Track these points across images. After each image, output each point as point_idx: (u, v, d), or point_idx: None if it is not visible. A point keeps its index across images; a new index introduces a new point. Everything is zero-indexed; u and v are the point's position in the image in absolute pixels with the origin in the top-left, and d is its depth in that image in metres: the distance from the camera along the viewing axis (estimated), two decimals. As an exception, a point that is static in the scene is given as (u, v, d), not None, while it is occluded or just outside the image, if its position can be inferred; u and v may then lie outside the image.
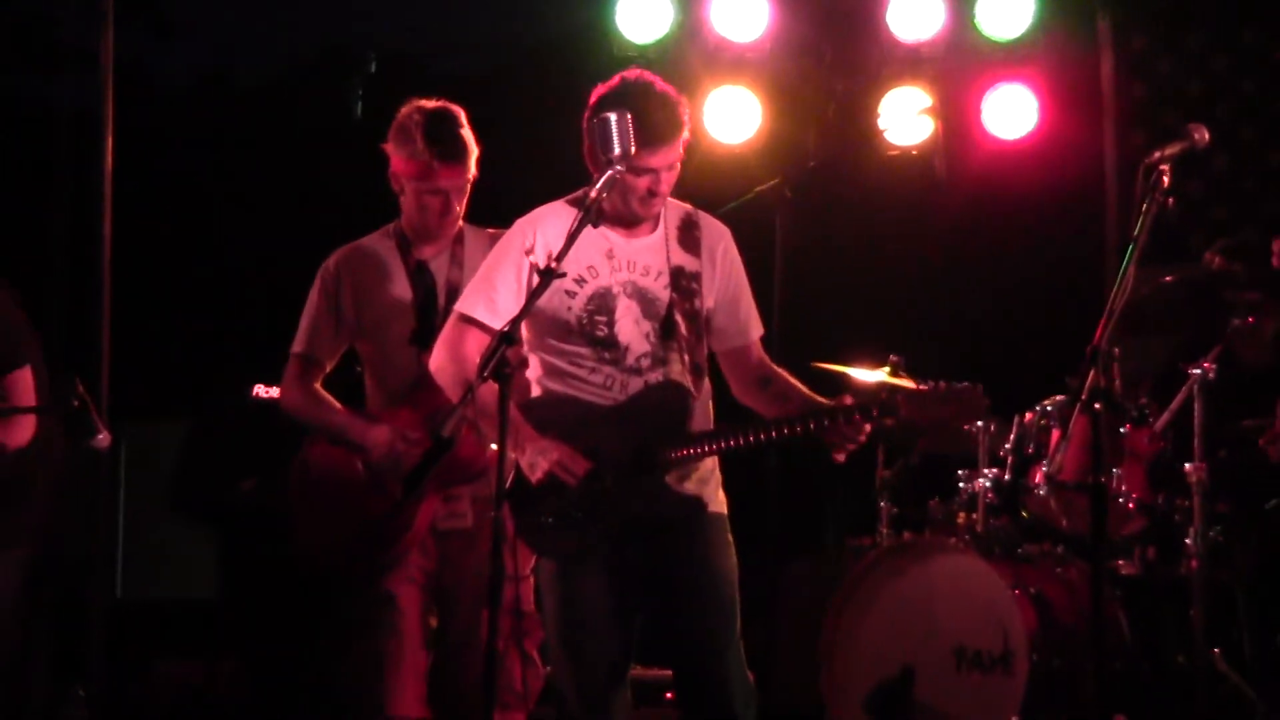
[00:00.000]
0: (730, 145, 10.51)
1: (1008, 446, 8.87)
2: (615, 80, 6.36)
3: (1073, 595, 8.54)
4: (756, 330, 6.56)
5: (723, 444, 6.21)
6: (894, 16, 10.53)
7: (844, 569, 8.59)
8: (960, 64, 10.61)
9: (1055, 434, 8.62)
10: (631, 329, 6.32)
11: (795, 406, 6.34)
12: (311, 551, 6.82)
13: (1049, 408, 8.79)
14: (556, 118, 7.30)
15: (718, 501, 6.42)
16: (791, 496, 7.63)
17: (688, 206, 6.52)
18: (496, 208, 6.97)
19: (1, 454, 6.90)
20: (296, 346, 6.95)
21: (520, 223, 6.43)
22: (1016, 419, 8.89)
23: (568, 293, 6.32)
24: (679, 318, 6.33)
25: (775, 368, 6.55)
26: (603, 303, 6.33)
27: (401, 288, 6.87)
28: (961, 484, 9.10)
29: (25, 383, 7.12)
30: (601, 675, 6.31)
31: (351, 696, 6.71)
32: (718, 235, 6.51)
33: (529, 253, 6.30)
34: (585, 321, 6.32)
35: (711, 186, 6.62)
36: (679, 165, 6.30)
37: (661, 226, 6.42)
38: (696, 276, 6.38)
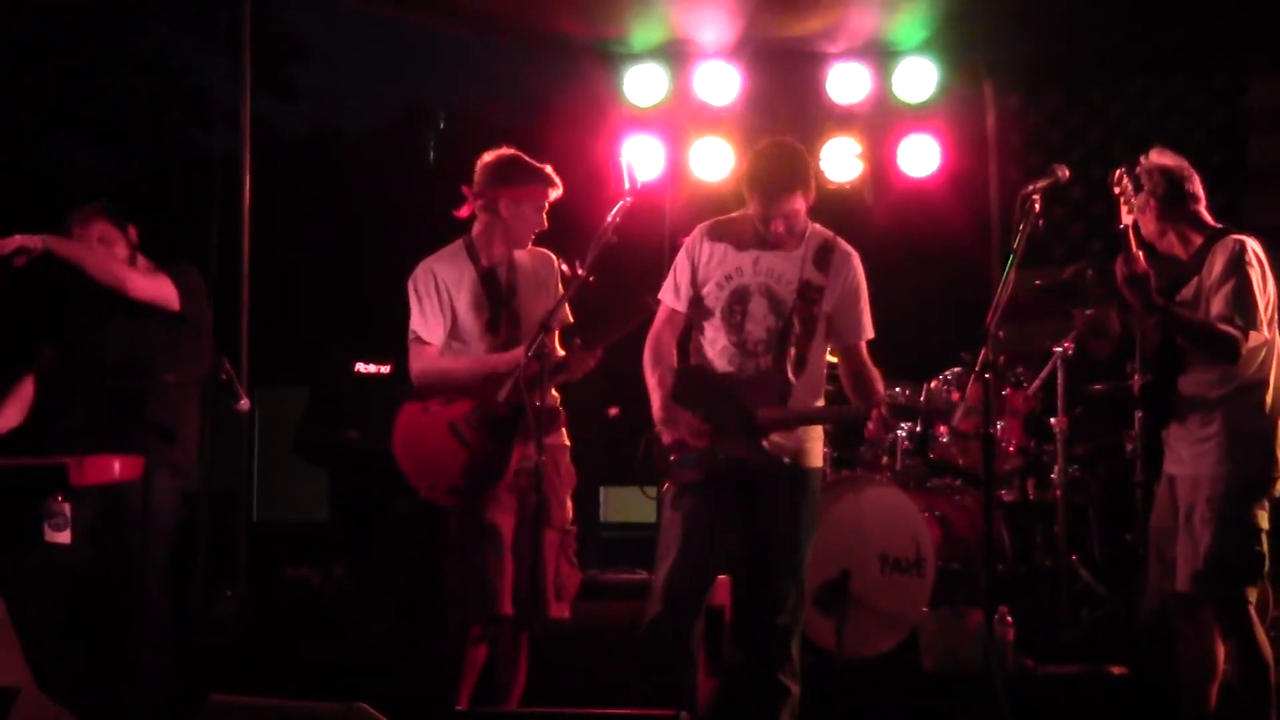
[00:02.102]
0: (711, 182, 10.48)
1: (919, 405, 8.87)
2: (763, 144, 6.40)
3: (968, 516, 8.53)
4: (863, 336, 6.40)
5: (803, 418, 6.24)
6: (832, 85, 10.52)
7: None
8: (882, 120, 10.57)
9: (955, 395, 8.61)
10: (758, 321, 6.28)
11: (861, 397, 6.34)
12: (427, 490, 6.77)
13: (949, 376, 8.77)
14: (584, 160, 7.27)
15: (811, 457, 6.36)
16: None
17: (830, 234, 6.42)
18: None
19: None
20: (424, 335, 6.72)
21: (697, 229, 6.47)
22: (925, 385, 8.87)
23: (718, 285, 6.34)
24: (796, 319, 6.24)
25: (868, 366, 6.41)
26: (740, 296, 6.31)
27: (476, 288, 6.75)
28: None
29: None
30: (690, 576, 6.24)
31: (459, 600, 6.66)
32: (844, 258, 6.39)
33: (692, 255, 6.41)
34: (725, 309, 6.32)
35: (696, 215, 6.58)
36: (800, 211, 6.25)
37: (803, 247, 6.34)
38: (821, 290, 6.29)
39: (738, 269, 6.34)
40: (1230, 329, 6.07)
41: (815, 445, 6.40)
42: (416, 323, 6.76)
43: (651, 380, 6.36)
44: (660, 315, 6.46)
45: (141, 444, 6.81)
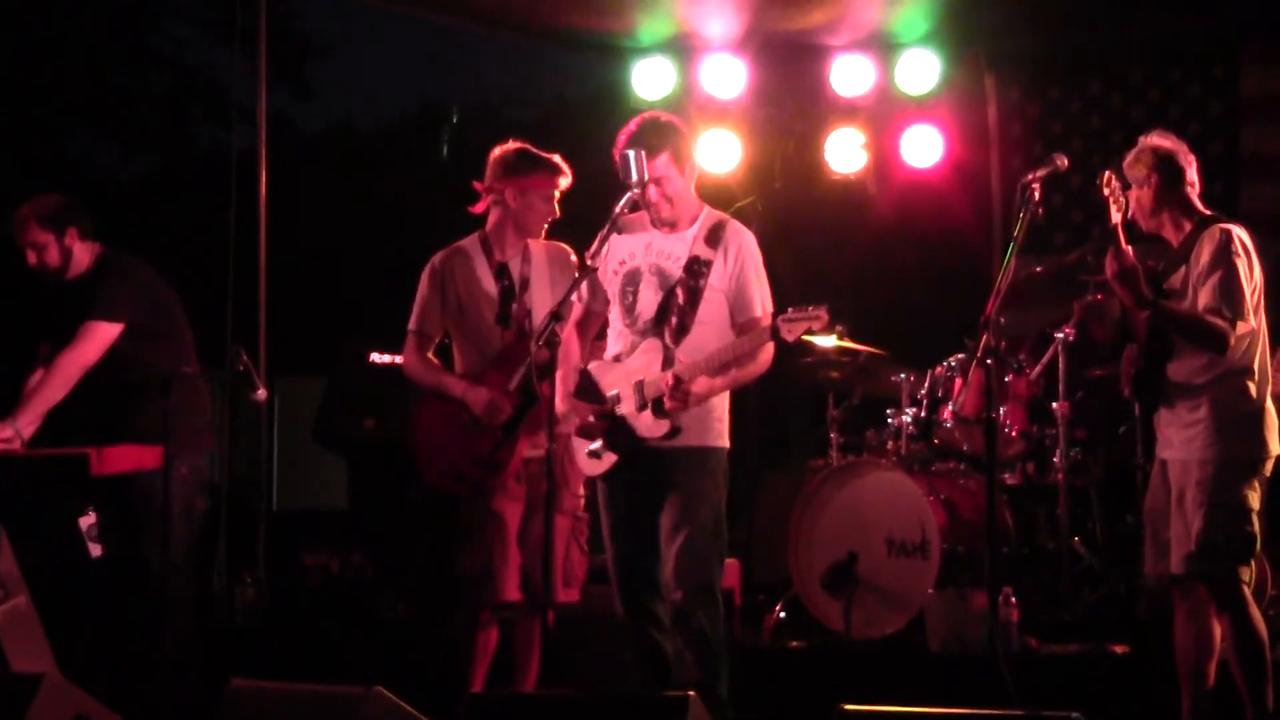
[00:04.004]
0: (717, 173, 10.43)
1: (923, 391, 8.81)
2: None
3: (972, 499, 8.50)
4: (755, 311, 6.13)
5: (675, 382, 5.91)
6: (836, 77, 10.47)
7: (805, 482, 8.56)
8: (885, 111, 10.52)
9: (958, 382, 8.58)
10: (647, 299, 6.17)
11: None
12: (435, 477, 6.80)
13: (953, 362, 8.74)
14: (593, 155, 7.26)
15: (708, 436, 6.15)
16: (766, 429, 7.62)
17: (724, 216, 6.29)
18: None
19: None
20: (412, 325, 6.87)
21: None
22: (929, 371, 8.84)
23: (614, 272, 6.25)
24: (679, 290, 6.11)
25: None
26: (633, 278, 6.21)
27: (489, 281, 6.80)
28: (890, 419, 9.03)
29: (97, 335, 7.05)
30: (628, 564, 6.18)
31: (466, 587, 6.69)
32: (736, 236, 6.19)
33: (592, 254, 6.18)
34: (620, 294, 6.23)
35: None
36: (669, 177, 6.11)
37: (696, 227, 6.21)
38: (709, 264, 6.12)
39: (630, 254, 6.25)
40: (1218, 321, 6.08)
41: (714, 423, 6.19)
42: (413, 314, 6.89)
43: (557, 378, 6.22)
44: (571, 316, 6.37)
45: (157, 436, 6.84)
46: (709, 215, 6.30)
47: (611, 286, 6.29)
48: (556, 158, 6.82)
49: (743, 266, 6.19)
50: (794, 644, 8.13)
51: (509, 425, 6.62)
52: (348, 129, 25.11)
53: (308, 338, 13.22)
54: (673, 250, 6.21)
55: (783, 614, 8.34)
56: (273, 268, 9.28)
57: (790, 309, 5.83)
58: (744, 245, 6.22)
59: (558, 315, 6.06)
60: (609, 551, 6.25)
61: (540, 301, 6.70)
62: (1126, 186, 6.30)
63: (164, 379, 6.82)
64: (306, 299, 16.55)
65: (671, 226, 6.23)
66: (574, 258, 6.77)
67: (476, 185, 6.86)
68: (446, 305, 6.83)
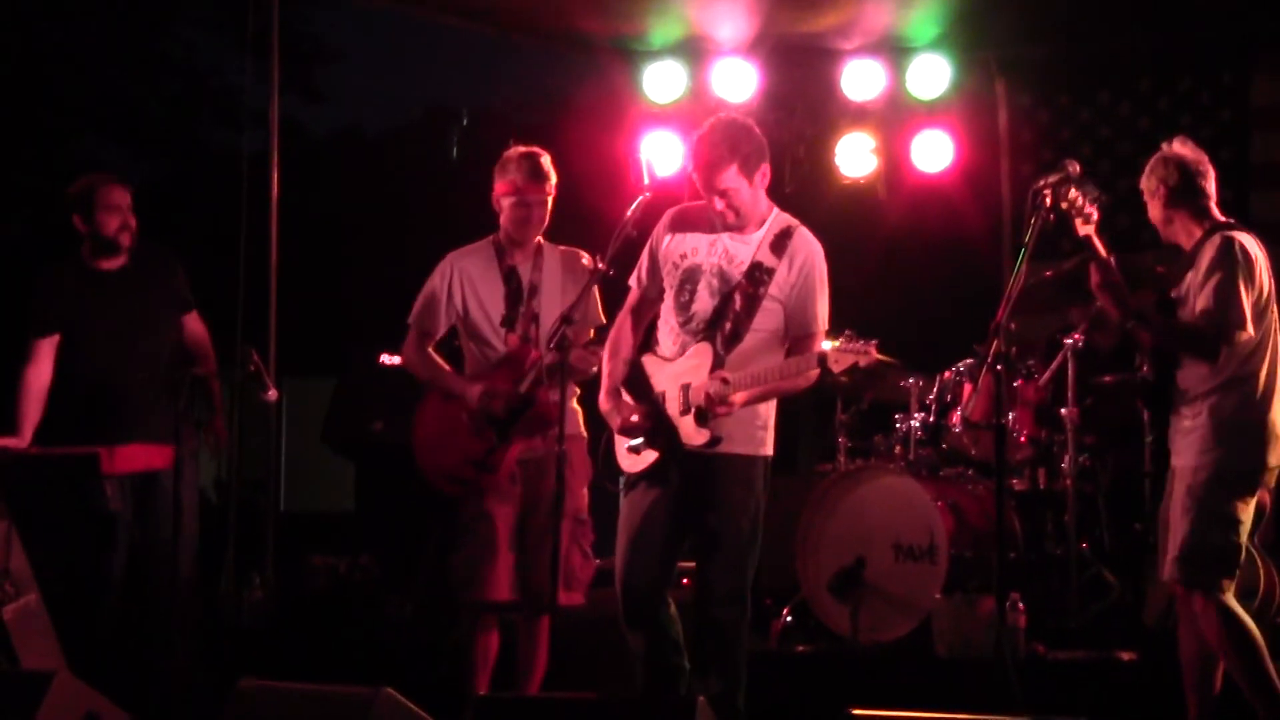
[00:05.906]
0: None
1: (932, 396, 8.82)
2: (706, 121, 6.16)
3: (980, 504, 8.51)
4: (810, 330, 6.03)
5: (720, 391, 5.83)
6: (847, 81, 10.48)
7: (812, 486, 8.56)
8: (896, 116, 10.53)
9: (968, 387, 8.58)
10: (704, 300, 6.05)
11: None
12: (433, 478, 6.82)
13: (962, 368, 8.74)
14: (604, 156, 7.28)
15: (752, 444, 6.09)
16: (775, 433, 7.59)
17: (794, 221, 6.15)
18: (560, 227, 6.96)
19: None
20: (411, 318, 6.88)
21: (664, 215, 6.27)
22: (938, 376, 8.84)
23: (674, 266, 6.15)
24: (737, 295, 5.99)
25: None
26: (691, 276, 6.09)
27: (497, 284, 6.79)
28: (898, 424, 9.05)
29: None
30: (639, 568, 6.07)
31: (459, 584, 6.69)
32: (803, 246, 6.08)
33: (653, 241, 6.24)
34: (677, 290, 6.12)
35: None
36: (737, 188, 5.96)
37: (763, 230, 6.09)
38: (771, 272, 5.99)
39: (693, 250, 6.13)
40: (1204, 328, 6.06)
41: (755, 431, 6.12)
42: (414, 308, 6.91)
43: (604, 370, 6.22)
44: (627, 301, 6.32)
45: (178, 434, 6.88)
46: (777, 219, 6.17)
47: (669, 279, 6.18)
48: (518, 160, 6.77)
49: (807, 278, 6.07)
50: (801, 648, 8.14)
51: (504, 428, 6.63)
52: (356, 132, 25.13)
53: (317, 339, 13.26)
54: (737, 253, 6.09)
55: (790, 618, 8.35)
56: (283, 270, 9.31)
57: (842, 341, 5.69)
58: (810, 256, 6.10)
59: (569, 319, 6.07)
60: (621, 553, 6.13)
61: (550, 307, 6.70)
62: (1094, 199, 6.24)
63: (174, 379, 6.86)
64: (316, 301, 16.59)
65: (739, 229, 6.11)
66: (588, 262, 6.76)
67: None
68: (452, 304, 6.84)
